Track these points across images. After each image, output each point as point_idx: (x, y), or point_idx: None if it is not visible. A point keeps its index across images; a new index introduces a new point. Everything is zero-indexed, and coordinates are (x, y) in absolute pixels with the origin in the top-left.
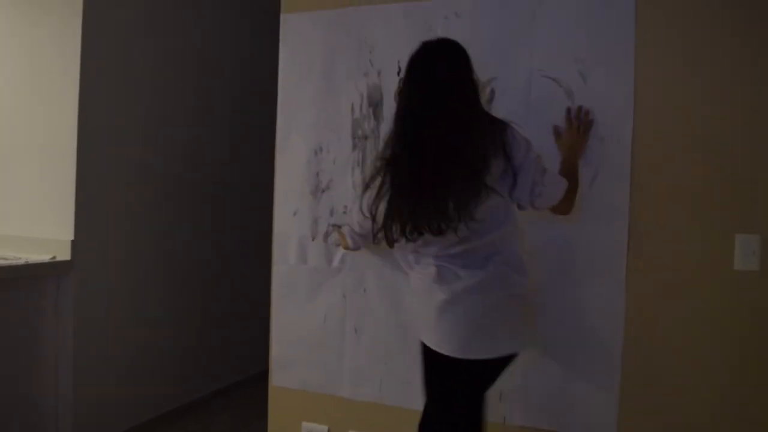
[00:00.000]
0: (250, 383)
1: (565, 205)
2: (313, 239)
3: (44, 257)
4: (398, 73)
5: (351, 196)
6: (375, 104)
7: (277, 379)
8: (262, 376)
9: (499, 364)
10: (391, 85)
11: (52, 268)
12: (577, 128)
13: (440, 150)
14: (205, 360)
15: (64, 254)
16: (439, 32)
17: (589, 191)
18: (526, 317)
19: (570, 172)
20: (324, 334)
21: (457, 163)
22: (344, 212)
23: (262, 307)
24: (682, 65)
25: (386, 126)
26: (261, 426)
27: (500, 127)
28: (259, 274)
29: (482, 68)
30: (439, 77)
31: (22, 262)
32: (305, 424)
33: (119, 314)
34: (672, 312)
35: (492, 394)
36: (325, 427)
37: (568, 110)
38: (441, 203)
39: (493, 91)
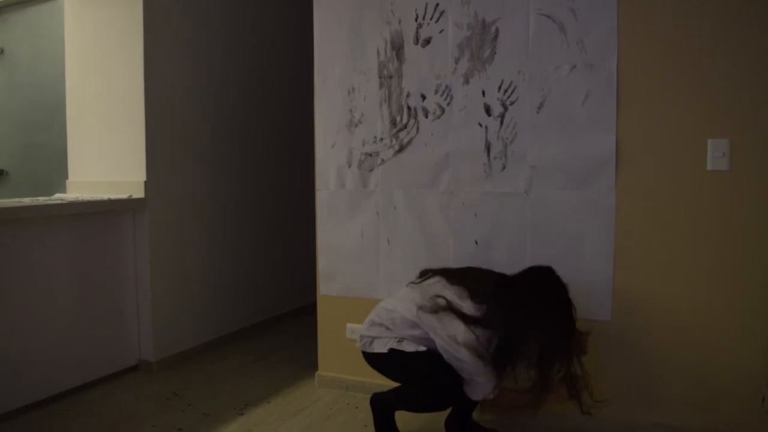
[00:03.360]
0: (299, 313)
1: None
2: (349, 167)
3: (122, 195)
4: (415, 20)
5: (380, 129)
6: (397, 47)
7: (323, 288)
8: (310, 308)
9: None
10: (410, 31)
11: (129, 204)
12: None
13: None
14: (261, 289)
15: (139, 193)
16: None
17: (582, 109)
18: None
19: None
20: (362, 247)
21: None
22: (374, 141)
23: (309, 234)
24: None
25: (408, 66)
26: (311, 344)
27: None
28: (305, 202)
29: (488, 10)
30: None
31: (105, 198)
32: (349, 325)
33: (188, 243)
34: (655, 207)
35: None
36: None
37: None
38: None
39: (497, 29)
